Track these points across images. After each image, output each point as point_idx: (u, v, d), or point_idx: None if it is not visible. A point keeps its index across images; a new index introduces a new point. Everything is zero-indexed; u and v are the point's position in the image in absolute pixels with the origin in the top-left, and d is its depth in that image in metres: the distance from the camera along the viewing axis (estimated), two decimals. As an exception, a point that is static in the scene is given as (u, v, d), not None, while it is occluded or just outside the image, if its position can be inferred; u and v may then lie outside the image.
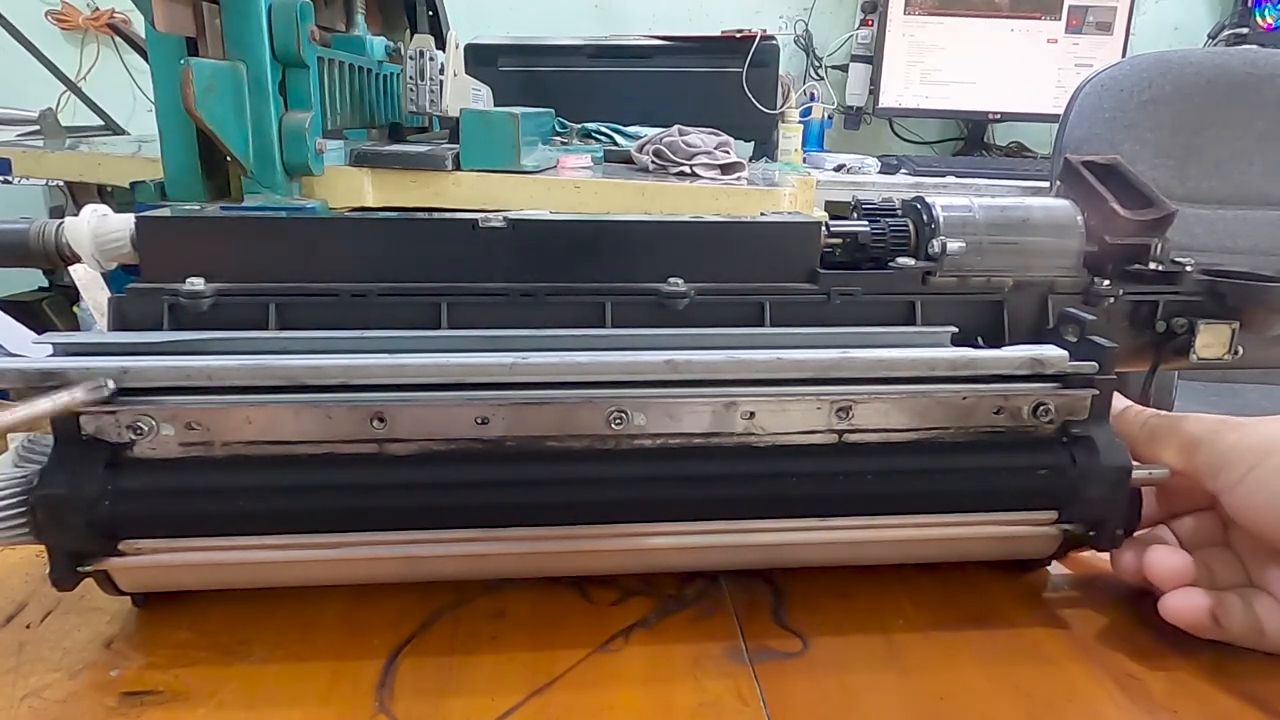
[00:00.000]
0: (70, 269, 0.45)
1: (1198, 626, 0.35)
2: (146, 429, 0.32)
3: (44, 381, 0.31)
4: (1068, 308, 0.40)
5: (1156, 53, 1.36)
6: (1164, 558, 0.36)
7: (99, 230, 0.39)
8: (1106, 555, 0.39)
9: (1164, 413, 0.39)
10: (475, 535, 0.34)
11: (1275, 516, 0.34)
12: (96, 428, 0.32)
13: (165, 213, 0.39)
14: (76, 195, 1.57)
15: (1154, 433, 0.38)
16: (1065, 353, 0.36)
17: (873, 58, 2.24)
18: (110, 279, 0.44)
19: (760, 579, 0.40)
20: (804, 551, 0.38)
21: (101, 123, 1.66)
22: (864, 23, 2.26)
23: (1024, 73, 2.19)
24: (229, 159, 0.99)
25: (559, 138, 1.47)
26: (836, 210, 0.46)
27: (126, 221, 0.39)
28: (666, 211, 1.12)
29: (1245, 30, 2.18)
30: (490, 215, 0.40)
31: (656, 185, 1.15)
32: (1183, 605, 0.35)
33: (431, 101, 1.13)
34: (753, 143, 1.72)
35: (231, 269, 0.38)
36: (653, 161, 1.23)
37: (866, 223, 0.44)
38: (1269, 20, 2.17)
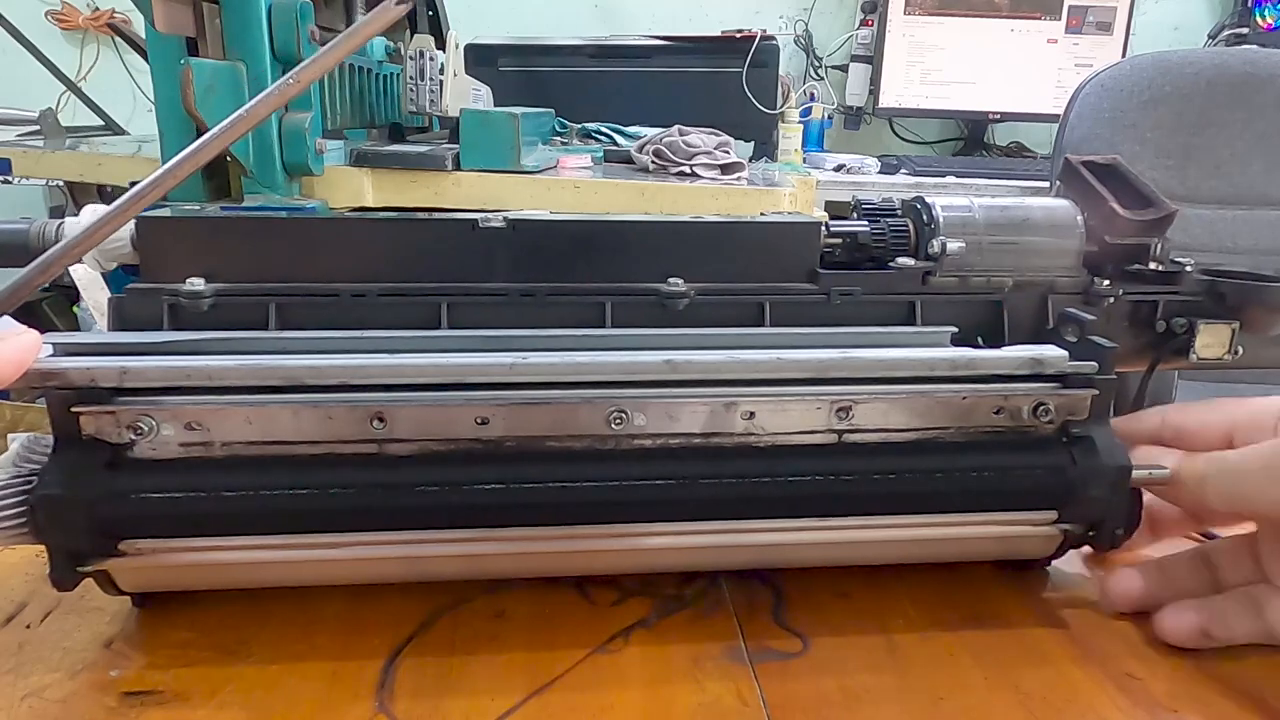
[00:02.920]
0: (70, 269, 0.45)
1: (1191, 642, 0.36)
2: (146, 429, 0.32)
3: (44, 382, 0.31)
4: (1068, 308, 0.40)
5: (1156, 53, 1.36)
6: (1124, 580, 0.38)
7: (99, 230, 0.39)
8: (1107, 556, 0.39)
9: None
10: (475, 535, 0.34)
11: None
12: (97, 428, 0.32)
13: (165, 213, 0.39)
14: (76, 195, 1.57)
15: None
16: (1065, 353, 0.36)
17: (873, 58, 2.24)
18: (110, 279, 0.44)
19: (760, 579, 0.40)
20: (804, 551, 0.38)
21: (101, 123, 1.66)
22: (864, 23, 2.26)
23: (1024, 73, 2.19)
24: (229, 159, 0.99)
25: (559, 138, 1.47)
26: (836, 210, 0.46)
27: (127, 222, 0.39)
28: (666, 211, 1.12)
29: (1245, 30, 2.18)
30: (490, 215, 0.40)
31: (656, 185, 1.15)
32: (1173, 624, 0.36)
33: (431, 101, 1.13)
34: (753, 143, 1.72)
35: (231, 269, 0.38)
36: (653, 161, 1.23)
37: (866, 223, 0.44)
38: (1269, 20, 2.17)
